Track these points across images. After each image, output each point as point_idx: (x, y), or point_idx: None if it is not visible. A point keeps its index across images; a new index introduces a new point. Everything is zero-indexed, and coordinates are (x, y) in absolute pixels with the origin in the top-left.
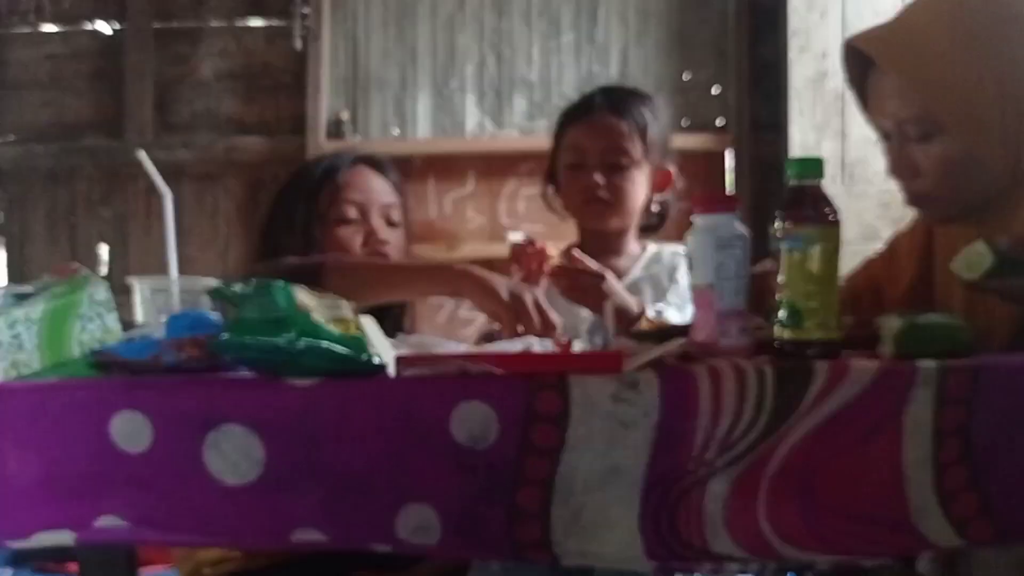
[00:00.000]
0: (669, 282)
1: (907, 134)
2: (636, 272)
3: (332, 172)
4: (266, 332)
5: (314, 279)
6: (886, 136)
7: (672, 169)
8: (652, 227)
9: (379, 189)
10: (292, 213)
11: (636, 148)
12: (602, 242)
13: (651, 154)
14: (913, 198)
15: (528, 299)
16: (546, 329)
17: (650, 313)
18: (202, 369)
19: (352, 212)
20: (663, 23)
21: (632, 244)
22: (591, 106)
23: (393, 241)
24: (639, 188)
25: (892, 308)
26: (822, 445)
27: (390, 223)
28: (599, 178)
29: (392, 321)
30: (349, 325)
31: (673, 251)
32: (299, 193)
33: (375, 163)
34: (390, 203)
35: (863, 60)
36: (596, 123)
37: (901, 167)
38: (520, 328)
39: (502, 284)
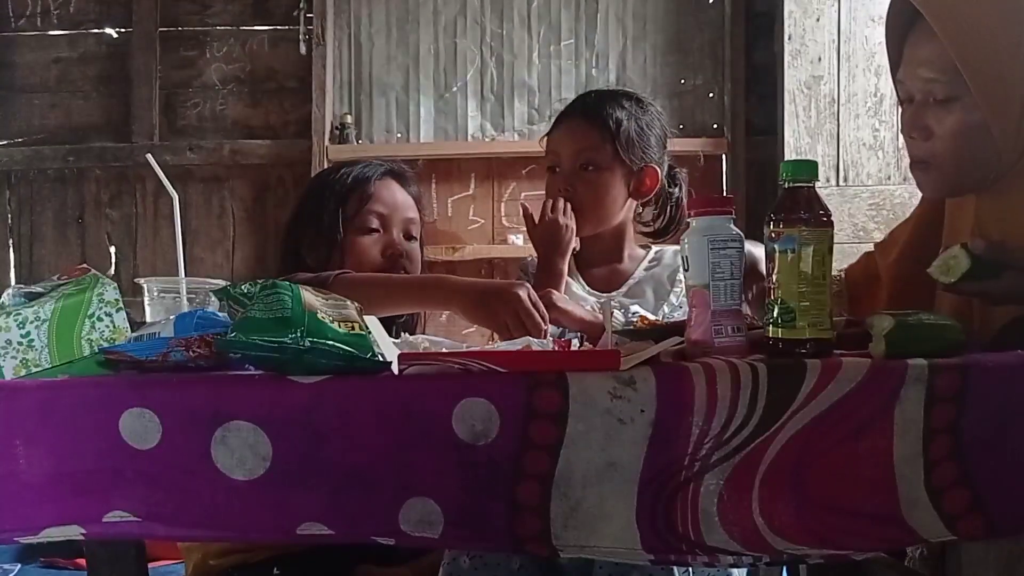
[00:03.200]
0: (671, 284)
1: (931, 94)
2: (638, 274)
3: (362, 182)
4: (272, 331)
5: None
6: (909, 99)
7: (656, 168)
8: (660, 232)
9: (403, 204)
10: (320, 214)
11: (605, 151)
12: (599, 245)
13: (629, 155)
14: (919, 163)
15: (519, 307)
16: (537, 330)
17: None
18: (210, 367)
19: (375, 223)
20: (660, 29)
21: (632, 247)
22: (567, 111)
23: (410, 254)
24: (609, 192)
25: (882, 286)
26: (814, 441)
27: (409, 236)
28: (565, 187)
29: (399, 324)
30: (354, 324)
31: (676, 250)
32: (328, 196)
33: (402, 177)
34: (411, 218)
35: (906, 19)
36: (567, 128)
37: (916, 127)
38: (513, 331)
39: (488, 296)
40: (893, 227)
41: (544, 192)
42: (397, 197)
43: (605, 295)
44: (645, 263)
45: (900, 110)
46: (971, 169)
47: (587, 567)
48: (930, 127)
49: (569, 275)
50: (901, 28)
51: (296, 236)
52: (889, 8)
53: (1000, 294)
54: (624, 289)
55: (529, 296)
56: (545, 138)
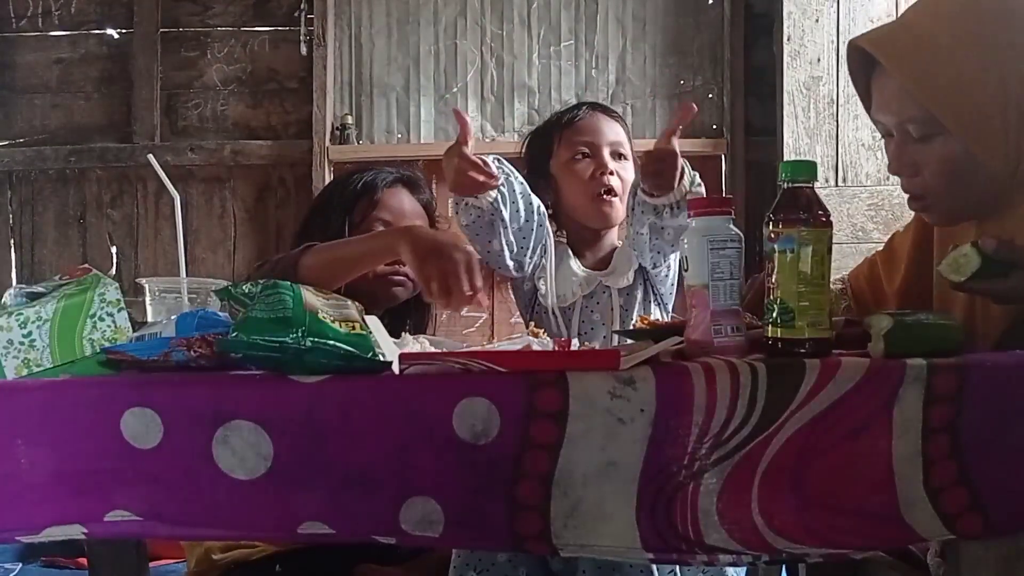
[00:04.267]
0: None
1: (908, 133)
2: (619, 250)
3: (371, 188)
4: (273, 331)
5: (292, 273)
6: (888, 134)
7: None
8: None
9: (410, 212)
10: (328, 219)
11: (628, 145)
12: (592, 239)
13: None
14: (913, 197)
15: (450, 270)
16: (461, 296)
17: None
18: (211, 367)
19: (380, 230)
20: (659, 30)
21: (612, 237)
22: (582, 110)
23: None
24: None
25: (889, 303)
26: (813, 440)
27: None
28: (611, 168)
29: (411, 326)
30: (354, 324)
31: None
32: (337, 201)
33: (412, 185)
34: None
35: (867, 60)
36: (597, 120)
37: (901, 165)
38: (435, 291)
39: (430, 251)
40: (892, 230)
41: (567, 184)
42: (405, 205)
43: (597, 273)
44: (616, 258)
45: (885, 144)
46: (966, 198)
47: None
48: (916, 163)
49: (565, 255)
50: (864, 69)
51: (305, 240)
52: (847, 52)
53: (1008, 293)
54: (610, 268)
55: (467, 264)
56: (558, 134)
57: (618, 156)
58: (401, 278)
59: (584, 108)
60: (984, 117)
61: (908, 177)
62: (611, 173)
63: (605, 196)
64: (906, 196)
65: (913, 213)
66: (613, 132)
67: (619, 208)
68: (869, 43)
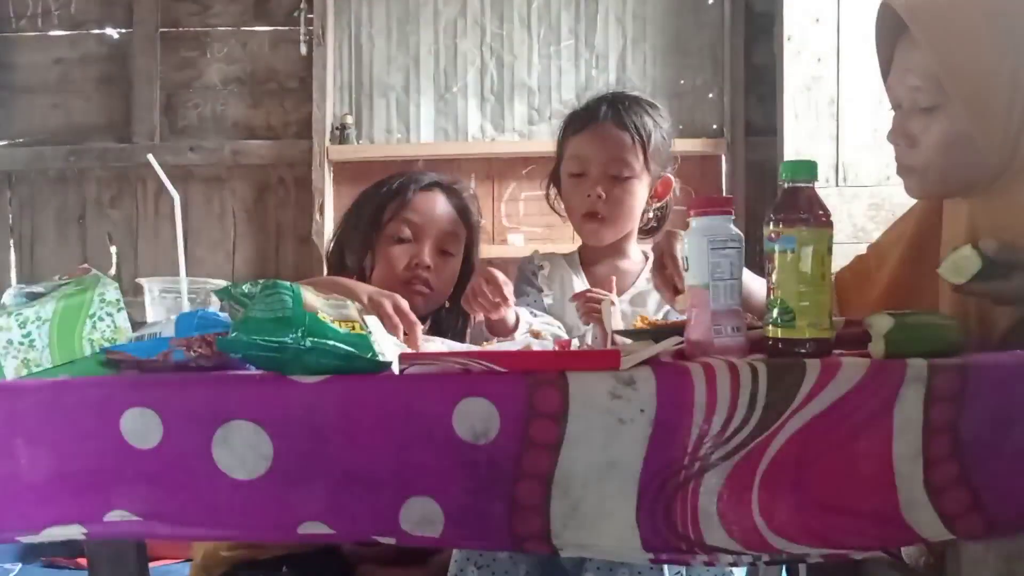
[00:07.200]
0: None
1: (917, 101)
2: (640, 283)
3: (403, 190)
4: (273, 331)
5: None
6: (897, 105)
7: (671, 176)
8: (649, 231)
9: (441, 216)
10: (360, 220)
11: (638, 160)
12: (604, 247)
13: (653, 164)
14: (904, 169)
15: (387, 304)
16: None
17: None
18: (211, 367)
19: (407, 232)
20: (660, 29)
21: (634, 249)
22: (595, 116)
23: (439, 268)
24: (638, 199)
25: (875, 289)
26: (814, 441)
27: (443, 251)
28: (599, 191)
29: (456, 332)
30: (354, 324)
31: None
32: (371, 200)
33: (449, 191)
34: (449, 231)
35: (896, 26)
36: (599, 134)
37: (900, 134)
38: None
39: (363, 293)
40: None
41: (565, 198)
42: (435, 209)
43: (628, 305)
44: (647, 273)
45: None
46: (956, 177)
47: (581, 562)
48: (915, 135)
49: (572, 270)
50: (891, 34)
51: (341, 239)
52: (877, 15)
53: (1009, 295)
54: (628, 297)
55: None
56: (561, 140)
57: (617, 178)
58: (420, 287)
59: (601, 112)
60: (989, 99)
61: (904, 147)
62: (599, 197)
63: (591, 222)
64: (896, 166)
65: (909, 209)
66: (614, 149)
67: (611, 227)
68: (901, 5)
